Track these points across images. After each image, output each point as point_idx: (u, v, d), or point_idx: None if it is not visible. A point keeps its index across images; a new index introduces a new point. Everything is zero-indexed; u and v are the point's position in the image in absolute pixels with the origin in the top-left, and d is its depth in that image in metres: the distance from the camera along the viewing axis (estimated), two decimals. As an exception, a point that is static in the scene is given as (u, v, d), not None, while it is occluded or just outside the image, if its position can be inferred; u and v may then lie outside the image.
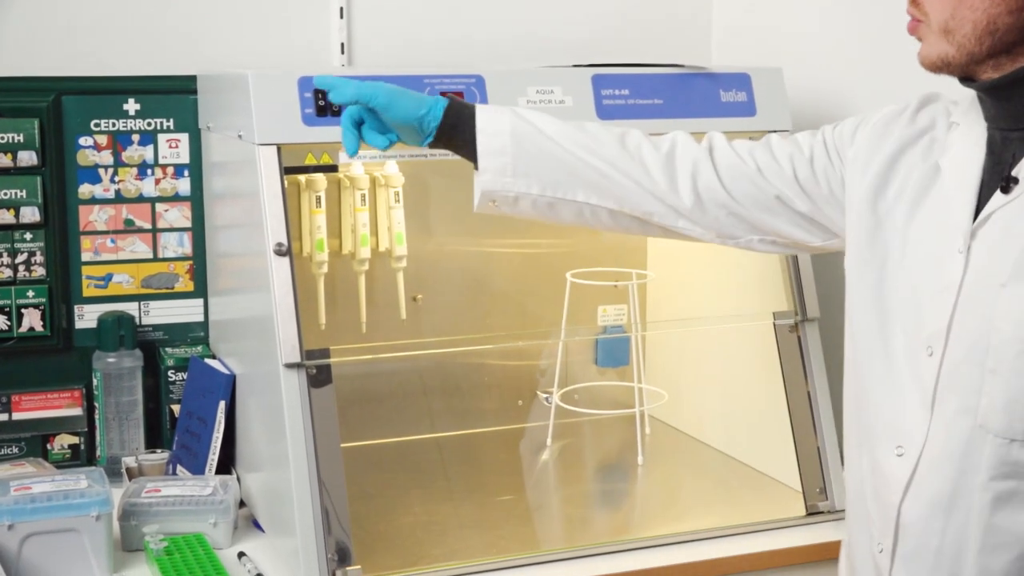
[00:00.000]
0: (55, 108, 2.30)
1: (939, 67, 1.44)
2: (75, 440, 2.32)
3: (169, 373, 2.31)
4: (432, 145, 1.74)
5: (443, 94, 1.76)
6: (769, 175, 1.74)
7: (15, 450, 2.29)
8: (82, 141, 2.33)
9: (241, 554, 1.95)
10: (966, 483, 1.43)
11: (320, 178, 2.24)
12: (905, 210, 1.53)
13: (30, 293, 2.30)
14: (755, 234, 1.79)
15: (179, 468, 2.21)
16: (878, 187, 1.58)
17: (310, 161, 1.99)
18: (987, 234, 1.42)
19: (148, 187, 2.37)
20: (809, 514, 2.09)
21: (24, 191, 2.28)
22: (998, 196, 1.42)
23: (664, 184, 1.75)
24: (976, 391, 1.41)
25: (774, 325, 2.19)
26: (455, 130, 1.74)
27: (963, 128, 1.51)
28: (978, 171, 1.46)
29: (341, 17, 2.48)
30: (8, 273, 2.29)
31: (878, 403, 1.54)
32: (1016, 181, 1.41)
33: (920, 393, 1.47)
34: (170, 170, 2.38)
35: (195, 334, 2.42)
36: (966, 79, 1.45)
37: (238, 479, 2.13)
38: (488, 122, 1.74)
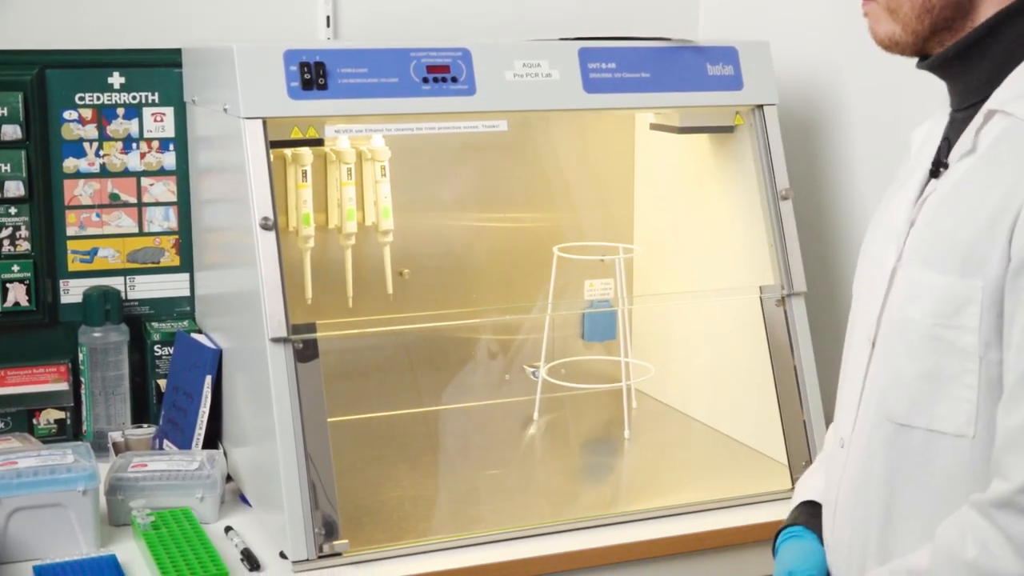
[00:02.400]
0: (39, 81, 2.29)
1: (889, 46, 1.44)
2: (61, 415, 2.31)
3: (155, 348, 2.31)
4: None
5: None
6: None
7: (0, 425, 2.29)
8: (67, 115, 2.31)
9: (228, 528, 1.95)
10: (872, 469, 1.43)
11: (306, 152, 2.23)
12: (888, 198, 1.54)
13: (15, 268, 2.29)
14: None
15: (166, 443, 2.21)
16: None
17: (296, 135, 1.98)
18: (919, 220, 1.42)
19: (133, 161, 2.36)
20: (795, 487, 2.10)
21: (8, 165, 2.27)
22: (932, 183, 1.42)
23: None
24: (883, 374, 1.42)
25: (760, 299, 2.19)
26: None
27: (939, 113, 1.51)
28: (931, 157, 1.45)
29: (327, -10, 2.47)
30: (-7, 248, 2.29)
31: (839, 395, 1.55)
32: (946, 166, 1.41)
33: (857, 383, 1.48)
34: (155, 144, 2.37)
35: (181, 309, 2.42)
36: (921, 60, 1.45)
37: (225, 454, 2.13)
38: None
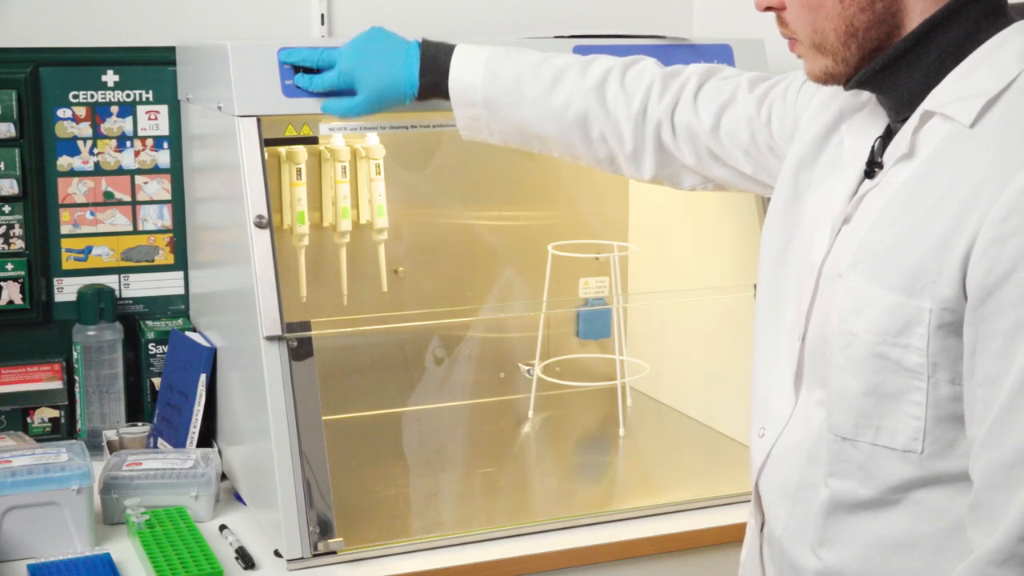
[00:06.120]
0: (33, 79, 2.28)
1: (826, 80, 1.41)
2: (55, 413, 2.31)
3: (150, 346, 2.31)
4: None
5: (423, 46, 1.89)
6: (727, 142, 1.77)
7: (-5, 424, 2.29)
8: (60, 113, 2.31)
9: (223, 527, 1.95)
10: (810, 476, 1.42)
11: (300, 150, 2.23)
12: (815, 186, 1.51)
13: (9, 266, 2.28)
14: (705, 183, 1.88)
15: (160, 441, 2.21)
16: (805, 158, 1.56)
17: (290, 133, 1.98)
18: (854, 219, 1.39)
19: (127, 159, 2.36)
20: None
21: (2, 163, 2.26)
22: (867, 182, 1.40)
23: (630, 148, 1.85)
24: (824, 383, 1.40)
25: (755, 297, 2.18)
26: (436, 87, 1.88)
27: (871, 106, 1.47)
28: (867, 154, 1.43)
29: (321, -12, 2.47)
30: (-14, 246, 2.28)
31: (759, 380, 1.54)
32: (881, 166, 1.39)
33: (789, 377, 1.46)
34: (149, 142, 2.37)
35: (176, 307, 2.41)
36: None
37: (219, 452, 2.13)
38: (462, 90, 1.86)
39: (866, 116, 1.47)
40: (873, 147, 1.42)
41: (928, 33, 1.33)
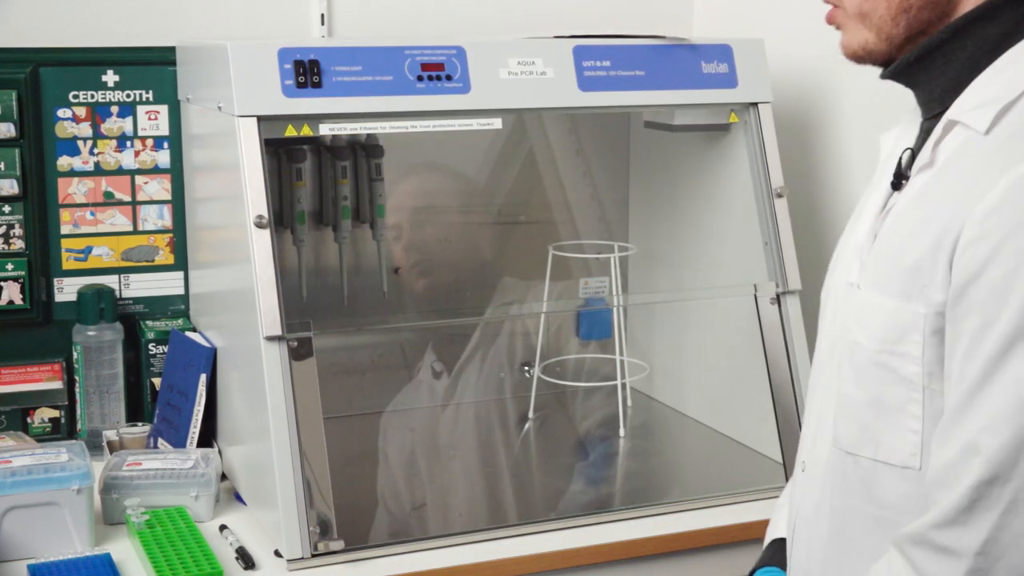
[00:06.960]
0: (33, 79, 2.28)
1: (861, 56, 1.37)
2: (55, 413, 2.31)
3: (150, 346, 2.31)
4: None
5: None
6: None
7: (-5, 424, 2.29)
8: (60, 113, 2.31)
9: (223, 527, 1.94)
10: (824, 497, 1.39)
11: (300, 150, 2.23)
12: (860, 213, 1.48)
13: (9, 266, 2.28)
14: None
15: (160, 441, 2.20)
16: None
17: (290, 133, 1.98)
18: (880, 233, 1.36)
19: (127, 159, 2.36)
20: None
21: (2, 163, 2.26)
22: (894, 195, 1.37)
23: None
24: (834, 399, 1.37)
25: (755, 297, 2.19)
26: None
27: (907, 118, 1.45)
28: (894, 166, 1.40)
29: (321, -12, 2.47)
30: (-13, 246, 2.28)
31: (806, 412, 1.49)
32: (907, 178, 1.35)
33: (816, 403, 1.43)
34: (149, 142, 2.37)
35: (176, 307, 2.41)
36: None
37: (219, 452, 2.13)
38: None
39: (902, 130, 1.45)
40: (901, 159, 1.39)
41: (967, 27, 1.30)
